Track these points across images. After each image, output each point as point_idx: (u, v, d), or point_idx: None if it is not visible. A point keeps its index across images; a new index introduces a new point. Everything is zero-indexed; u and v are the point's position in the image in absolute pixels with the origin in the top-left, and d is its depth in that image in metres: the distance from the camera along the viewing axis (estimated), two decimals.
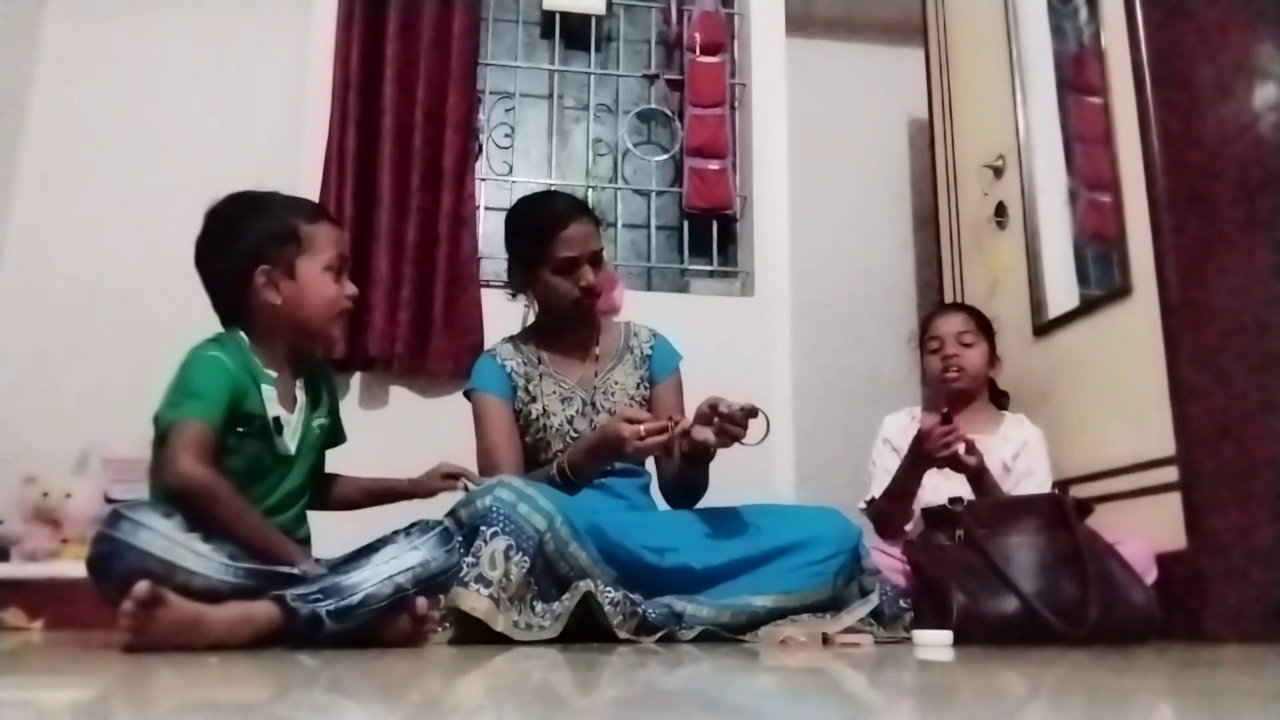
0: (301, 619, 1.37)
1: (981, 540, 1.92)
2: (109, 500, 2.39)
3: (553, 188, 3.08)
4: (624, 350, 2.15)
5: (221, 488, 1.45)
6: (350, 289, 1.67)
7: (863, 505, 2.30)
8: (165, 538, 1.34)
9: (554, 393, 2.06)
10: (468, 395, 2.10)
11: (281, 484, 1.62)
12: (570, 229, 1.99)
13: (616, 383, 2.10)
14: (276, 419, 1.59)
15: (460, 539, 1.66)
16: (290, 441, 1.62)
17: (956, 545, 1.95)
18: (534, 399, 2.05)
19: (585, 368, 2.11)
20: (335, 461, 1.80)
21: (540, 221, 2.03)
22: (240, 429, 1.54)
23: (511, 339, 2.16)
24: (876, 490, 2.30)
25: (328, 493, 1.79)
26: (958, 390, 2.35)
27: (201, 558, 1.36)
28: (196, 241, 1.61)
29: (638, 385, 2.12)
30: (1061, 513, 1.96)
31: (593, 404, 2.07)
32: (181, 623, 1.28)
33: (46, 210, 2.79)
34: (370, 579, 1.45)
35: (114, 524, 1.33)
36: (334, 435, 1.77)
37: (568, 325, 2.09)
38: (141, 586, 1.24)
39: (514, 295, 2.17)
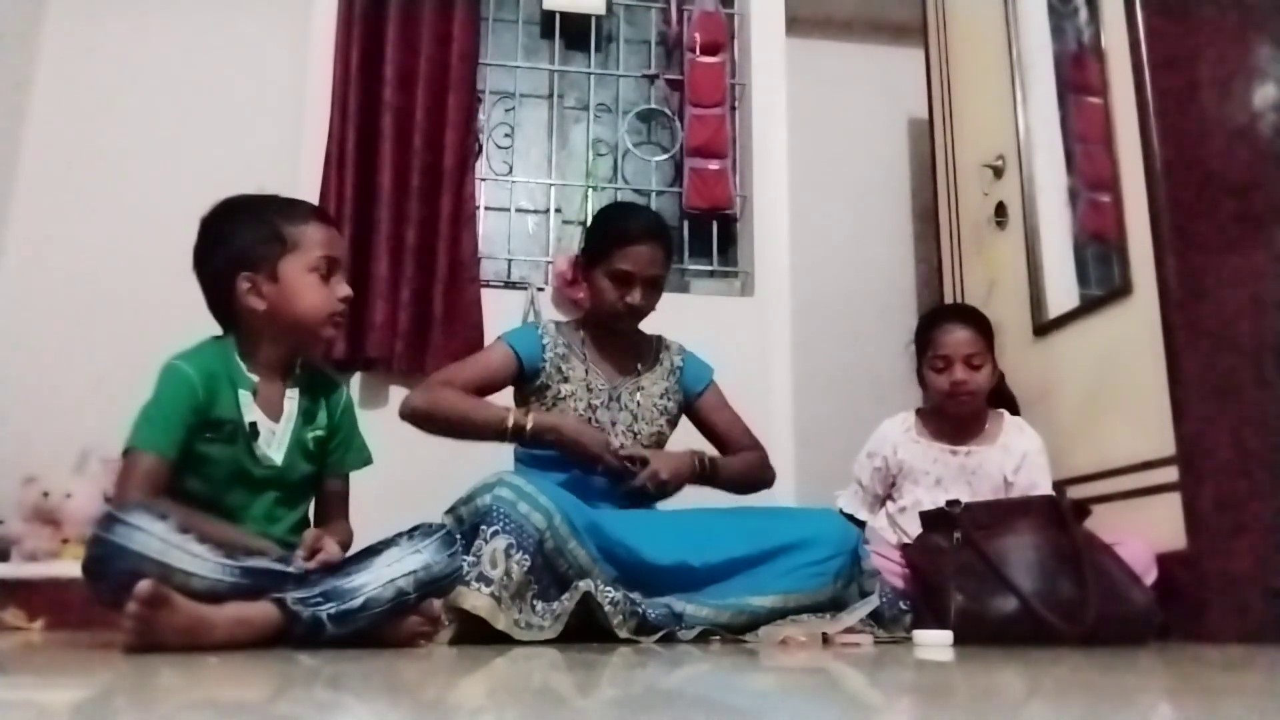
0: (303, 623, 1.37)
1: (979, 541, 1.92)
2: (109, 500, 2.39)
3: (552, 186, 3.10)
4: (655, 361, 2.20)
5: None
6: (342, 290, 1.63)
7: (839, 503, 2.36)
8: (160, 540, 1.31)
9: (584, 380, 2.10)
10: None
11: (266, 493, 1.60)
12: (639, 246, 2.04)
13: (641, 387, 2.14)
14: (253, 425, 1.57)
15: (461, 539, 1.66)
16: (273, 451, 1.59)
17: (954, 547, 1.95)
18: (565, 379, 2.09)
19: (621, 377, 2.15)
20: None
21: (616, 227, 2.10)
22: (209, 434, 1.54)
23: (558, 323, 2.21)
24: (848, 505, 2.36)
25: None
26: (964, 410, 2.32)
27: (198, 559, 1.35)
28: (193, 249, 1.62)
29: (663, 394, 2.16)
30: (1059, 514, 1.96)
31: (617, 398, 2.11)
32: (183, 624, 1.27)
33: (47, 210, 2.79)
34: (372, 582, 1.44)
35: (108, 527, 1.31)
36: (337, 453, 1.71)
37: (609, 333, 2.14)
38: (145, 586, 1.23)
39: (570, 281, 2.31)
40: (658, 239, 2.08)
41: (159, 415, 1.51)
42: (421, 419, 1.97)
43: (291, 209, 1.63)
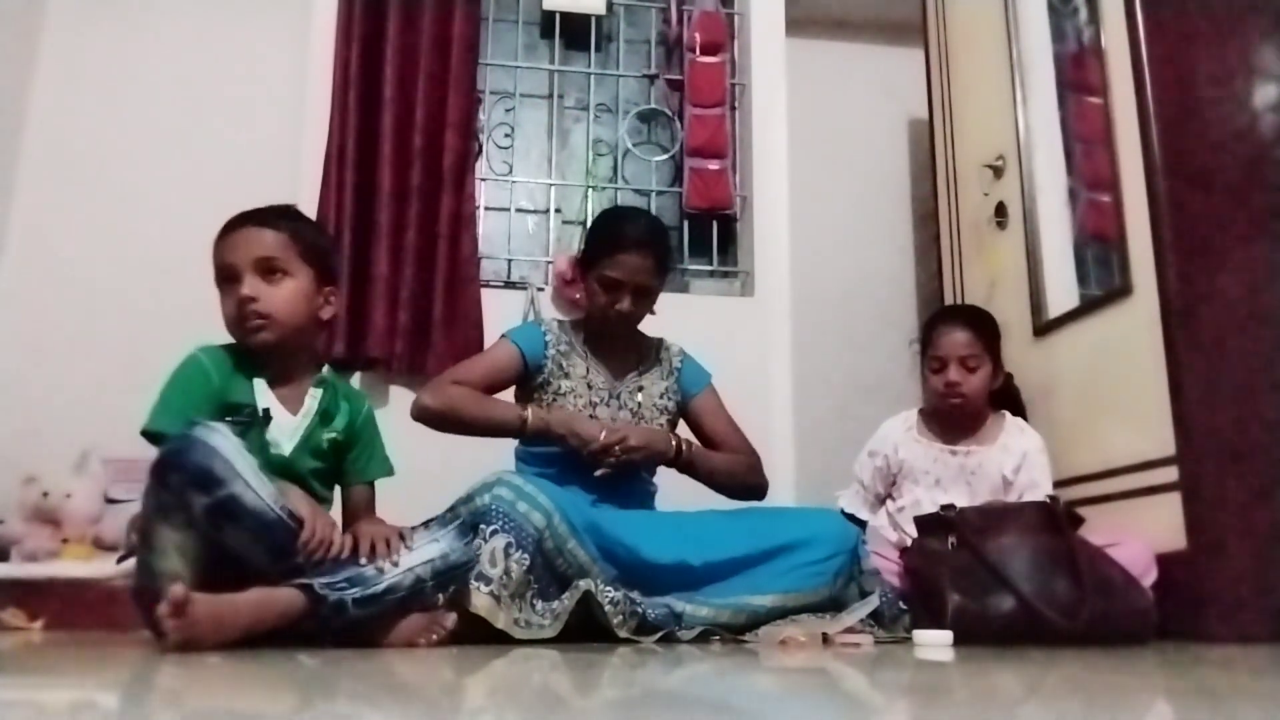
0: (328, 605, 1.41)
1: (975, 544, 1.92)
2: (109, 500, 2.39)
3: (552, 186, 3.10)
4: (655, 361, 2.21)
5: None
6: (241, 292, 1.58)
7: (840, 503, 2.35)
8: (235, 449, 1.42)
9: (584, 378, 2.11)
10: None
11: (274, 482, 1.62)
12: (628, 255, 2.03)
13: (642, 387, 2.15)
14: (267, 411, 1.61)
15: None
16: (284, 440, 1.62)
17: (951, 550, 1.95)
18: (566, 376, 2.10)
19: (622, 376, 2.16)
20: None
21: (609, 234, 2.09)
22: (229, 418, 1.57)
23: (560, 322, 2.22)
24: (849, 504, 2.34)
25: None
26: (958, 412, 2.31)
27: (259, 479, 1.43)
28: None
29: (662, 394, 2.17)
30: (1053, 519, 1.96)
31: (617, 396, 2.12)
32: (213, 612, 1.30)
33: (47, 210, 2.79)
34: (393, 570, 1.51)
35: (190, 426, 1.42)
36: (359, 461, 1.74)
37: (605, 335, 2.14)
38: (177, 589, 1.25)
39: (569, 281, 2.54)
40: (650, 248, 2.06)
41: (174, 399, 1.56)
42: (435, 418, 1.98)
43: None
